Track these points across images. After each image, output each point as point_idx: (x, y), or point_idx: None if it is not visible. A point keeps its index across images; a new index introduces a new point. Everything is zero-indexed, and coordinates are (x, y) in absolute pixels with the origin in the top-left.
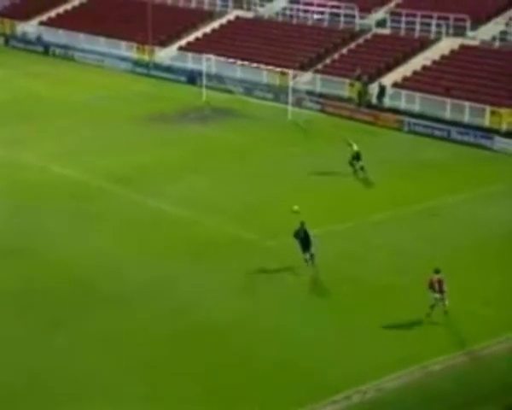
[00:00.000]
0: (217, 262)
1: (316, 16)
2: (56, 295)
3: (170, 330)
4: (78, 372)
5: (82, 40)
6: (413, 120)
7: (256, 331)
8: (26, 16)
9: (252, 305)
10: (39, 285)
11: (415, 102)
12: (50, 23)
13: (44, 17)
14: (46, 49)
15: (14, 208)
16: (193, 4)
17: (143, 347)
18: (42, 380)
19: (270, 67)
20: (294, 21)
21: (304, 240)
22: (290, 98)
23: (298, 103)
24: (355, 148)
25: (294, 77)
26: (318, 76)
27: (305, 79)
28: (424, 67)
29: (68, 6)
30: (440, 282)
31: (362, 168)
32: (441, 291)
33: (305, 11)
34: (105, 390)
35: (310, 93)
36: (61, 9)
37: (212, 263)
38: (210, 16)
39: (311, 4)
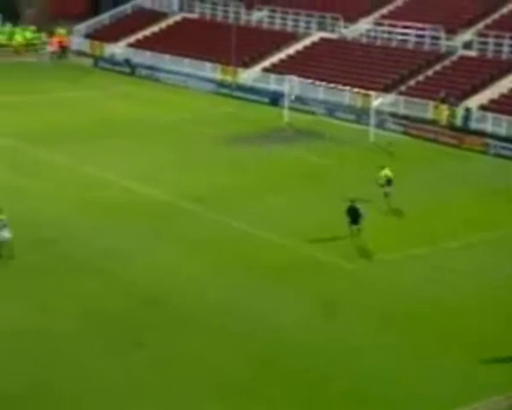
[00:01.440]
0: (294, 284)
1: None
2: (135, 314)
3: (245, 351)
4: (153, 392)
5: (167, 61)
6: (499, 144)
7: (333, 355)
8: (115, 38)
9: (329, 328)
10: (118, 304)
11: (501, 125)
12: (138, 45)
13: (132, 39)
14: (133, 70)
15: (96, 227)
16: (277, 26)
17: (219, 368)
18: (117, 398)
19: (352, 89)
20: (378, 43)
21: (353, 216)
22: (372, 120)
23: (380, 125)
24: (388, 173)
25: (377, 98)
26: (402, 98)
27: (388, 101)
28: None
29: (155, 28)
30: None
31: (387, 195)
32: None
33: (390, 33)
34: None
35: (393, 115)
36: (147, 32)
37: (290, 285)
38: (294, 38)
39: (395, 26)
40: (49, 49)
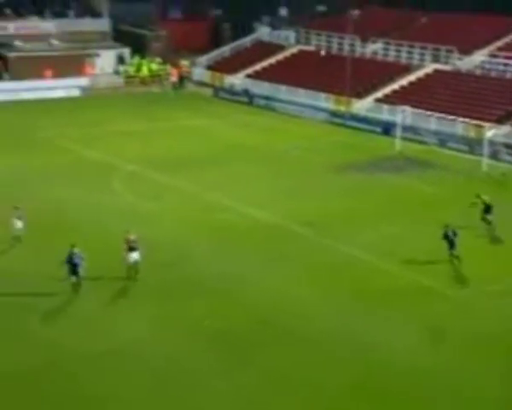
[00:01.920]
0: (401, 309)
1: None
2: (246, 334)
3: (352, 375)
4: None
5: (283, 92)
6: None
7: (442, 380)
8: (234, 70)
9: (436, 355)
10: (230, 325)
11: None
12: (256, 76)
13: (250, 70)
14: (251, 99)
15: (212, 250)
16: (390, 58)
17: (325, 390)
18: None
19: (465, 120)
20: (493, 75)
21: (450, 242)
22: (486, 150)
23: (494, 156)
24: (486, 199)
25: (490, 129)
26: None
27: (502, 132)
28: None
29: (273, 60)
30: None
31: (488, 222)
32: None
33: (505, 65)
34: None
35: (507, 146)
36: (265, 63)
37: (397, 310)
38: (407, 70)
39: (510, 58)
40: (171, 79)
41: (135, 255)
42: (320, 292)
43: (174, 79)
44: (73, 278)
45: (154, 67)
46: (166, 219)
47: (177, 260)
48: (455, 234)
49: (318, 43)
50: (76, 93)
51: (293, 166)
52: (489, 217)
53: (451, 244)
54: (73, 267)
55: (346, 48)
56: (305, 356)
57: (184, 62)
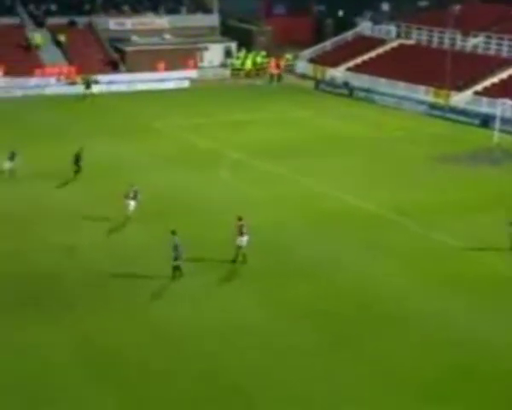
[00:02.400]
0: (496, 300)
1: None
2: (346, 316)
3: (447, 358)
4: (354, 388)
5: (383, 84)
6: None
7: None
8: (335, 63)
9: None
10: (332, 306)
11: None
12: (356, 69)
13: (351, 64)
14: (351, 92)
15: (312, 235)
16: (491, 52)
17: (419, 370)
18: (321, 387)
19: None
20: None
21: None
22: None
23: None
24: None
25: None
26: None
27: None
28: None
29: (373, 54)
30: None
31: None
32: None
33: None
34: (380, 404)
35: None
36: (366, 57)
37: (492, 300)
38: (508, 63)
39: None
40: (271, 71)
41: (244, 240)
42: (417, 279)
43: (273, 71)
44: (176, 263)
45: (259, 60)
46: (270, 205)
47: (280, 245)
48: None
49: (419, 37)
50: (185, 85)
51: (391, 157)
52: None
53: None
54: (176, 253)
55: (447, 42)
56: (402, 339)
57: (288, 56)
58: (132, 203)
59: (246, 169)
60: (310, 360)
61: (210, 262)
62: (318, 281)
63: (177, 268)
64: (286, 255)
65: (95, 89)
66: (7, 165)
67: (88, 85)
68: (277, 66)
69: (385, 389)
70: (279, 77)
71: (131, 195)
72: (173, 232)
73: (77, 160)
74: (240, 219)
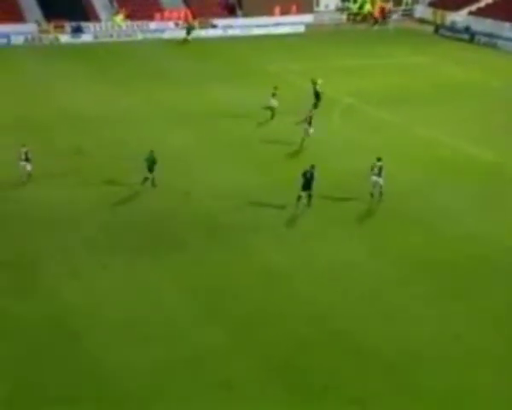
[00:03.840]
0: None
1: None
2: (453, 267)
3: None
4: (470, 339)
5: (507, 29)
6: None
7: None
8: (457, 7)
9: None
10: (442, 257)
11: None
12: (478, 13)
13: (473, 7)
14: (472, 37)
15: (430, 184)
16: None
17: None
18: (438, 340)
19: None
20: None
21: (308, 181)
22: None
23: None
24: None
25: None
26: None
27: None
28: None
29: None
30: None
31: None
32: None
33: None
34: (498, 360)
35: None
36: (490, 0)
37: None
38: None
39: None
40: (374, 16)
41: (375, 178)
42: None
43: (377, 15)
44: (303, 193)
45: (383, 5)
46: (382, 152)
47: (394, 192)
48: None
49: None
50: (301, 29)
51: (508, 105)
52: None
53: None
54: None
55: None
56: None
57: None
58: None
59: (359, 115)
60: (423, 311)
61: (322, 205)
62: (431, 231)
63: (309, 196)
64: (399, 204)
65: (191, 35)
66: None
67: (188, 31)
68: (382, 11)
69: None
70: (384, 21)
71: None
72: (312, 166)
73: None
74: (379, 159)
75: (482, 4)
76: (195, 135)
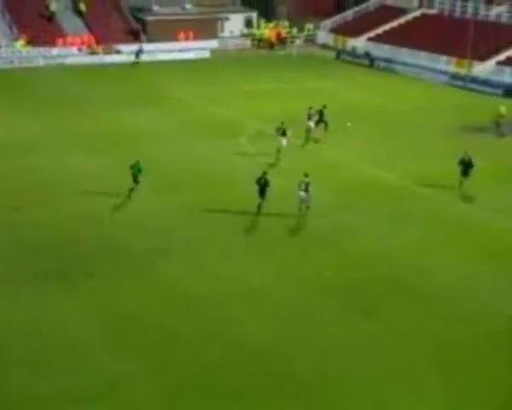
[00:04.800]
0: None
1: None
2: (364, 286)
3: (470, 333)
4: (381, 356)
5: (404, 54)
6: None
7: None
8: (357, 33)
9: None
10: (348, 276)
11: None
12: (377, 39)
13: (372, 34)
14: (372, 62)
15: (338, 204)
16: None
17: (449, 344)
18: (350, 358)
19: None
20: None
21: (262, 187)
22: None
23: None
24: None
25: None
26: None
27: None
28: None
29: (395, 24)
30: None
31: None
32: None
33: None
34: (409, 374)
35: None
36: (387, 27)
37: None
38: None
39: None
40: (271, 41)
41: (303, 194)
42: (442, 249)
43: (273, 40)
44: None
45: (280, 30)
46: (292, 175)
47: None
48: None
49: (442, 6)
50: (206, 55)
51: (411, 127)
52: None
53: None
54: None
55: (470, 11)
56: (428, 311)
57: (284, 23)
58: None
59: (267, 139)
60: (329, 329)
61: (226, 230)
62: (342, 250)
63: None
64: (308, 224)
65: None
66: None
67: (137, 54)
68: (278, 35)
69: (405, 358)
70: (281, 46)
71: None
72: (264, 173)
73: None
74: (306, 175)
75: (380, 31)
76: (104, 159)
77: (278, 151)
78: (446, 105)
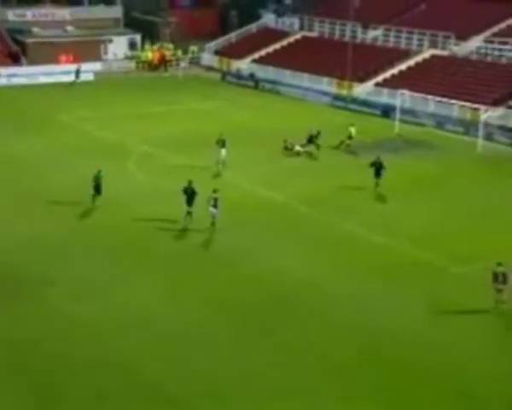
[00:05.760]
0: (402, 285)
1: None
2: (256, 305)
3: (356, 344)
4: (277, 373)
5: (288, 76)
6: None
7: (436, 357)
8: (241, 55)
9: (434, 330)
10: (242, 296)
11: None
12: (261, 61)
13: (256, 56)
14: (256, 84)
15: (225, 224)
16: (390, 44)
17: (334, 359)
18: (247, 378)
19: (461, 103)
20: (488, 60)
21: (189, 197)
22: (480, 132)
23: (488, 137)
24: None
25: (486, 112)
26: (511, 111)
27: (496, 114)
28: None
29: (278, 46)
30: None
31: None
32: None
33: (500, 50)
34: (303, 389)
35: (501, 128)
36: (270, 49)
37: (398, 285)
38: (406, 55)
39: (505, 43)
40: (154, 63)
41: (212, 209)
42: (324, 267)
43: (156, 62)
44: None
45: (164, 52)
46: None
47: (191, 232)
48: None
49: (321, 29)
50: (90, 77)
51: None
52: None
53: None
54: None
55: (348, 34)
56: (314, 327)
57: (169, 46)
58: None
59: (155, 161)
60: (225, 350)
61: (115, 249)
62: (229, 270)
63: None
64: (197, 242)
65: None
66: None
67: (77, 74)
68: (161, 57)
69: (302, 374)
70: (165, 68)
71: None
72: (190, 182)
73: None
74: (215, 191)
75: (263, 53)
76: None
77: (217, 163)
78: (329, 125)
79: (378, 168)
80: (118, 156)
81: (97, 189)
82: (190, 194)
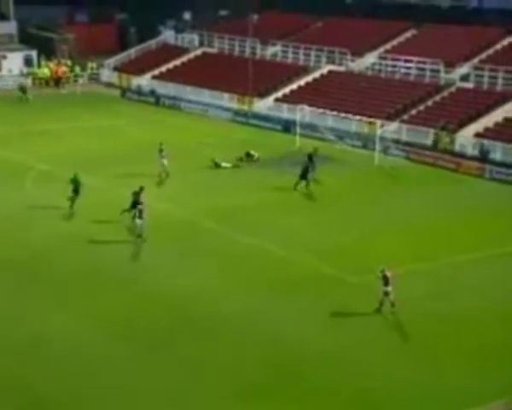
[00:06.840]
0: (303, 297)
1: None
2: (155, 322)
3: (261, 357)
4: (168, 390)
5: (189, 92)
6: (495, 168)
7: (336, 364)
8: (141, 71)
9: (334, 338)
10: (143, 314)
11: (496, 151)
12: (161, 77)
13: (156, 72)
14: (157, 100)
15: (126, 242)
16: (289, 60)
17: (237, 371)
18: (135, 396)
19: (359, 117)
20: (383, 75)
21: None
22: (377, 146)
23: (384, 151)
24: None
25: (382, 126)
26: (404, 126)
27: (391, 129)
28: (506, 119)
29: (178, 62)
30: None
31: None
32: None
33: (393, 66)
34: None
35: (396, 141)
36: (171, 65)
37: (299, 298)
38: (305, 70)
39: (398, 60)
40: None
41: (138, 221)
42: (226, 283)
43: (53, 78)
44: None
45: (62, 69)
46: (85, 214)
47: (89, 251)
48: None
49: (221, 46)
50: None
51: (199, 163)
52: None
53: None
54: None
55: (248, 50)
56: (218, 342)
57: (68, 62)
58: None
59: (55, 180)
60: (121, 370)
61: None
62: (130, 289)
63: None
64: (95, 262)
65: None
66: None
67: (23, 90)
68: (55, 74)
69: (205, 392)
70: (58, 85)
71: None
72: (141, 188)
73: None
74: (140, 203)
75: (163, 69)
76: None
77: (160, 173)
78: (232, 140)
79: (304, 171)
80: (15, 175)
81: (76, 190)
82: (136, 199)
